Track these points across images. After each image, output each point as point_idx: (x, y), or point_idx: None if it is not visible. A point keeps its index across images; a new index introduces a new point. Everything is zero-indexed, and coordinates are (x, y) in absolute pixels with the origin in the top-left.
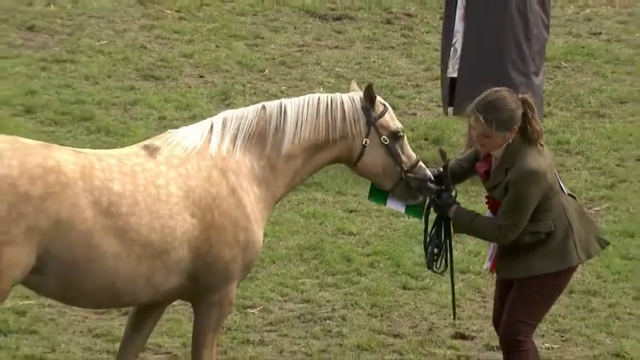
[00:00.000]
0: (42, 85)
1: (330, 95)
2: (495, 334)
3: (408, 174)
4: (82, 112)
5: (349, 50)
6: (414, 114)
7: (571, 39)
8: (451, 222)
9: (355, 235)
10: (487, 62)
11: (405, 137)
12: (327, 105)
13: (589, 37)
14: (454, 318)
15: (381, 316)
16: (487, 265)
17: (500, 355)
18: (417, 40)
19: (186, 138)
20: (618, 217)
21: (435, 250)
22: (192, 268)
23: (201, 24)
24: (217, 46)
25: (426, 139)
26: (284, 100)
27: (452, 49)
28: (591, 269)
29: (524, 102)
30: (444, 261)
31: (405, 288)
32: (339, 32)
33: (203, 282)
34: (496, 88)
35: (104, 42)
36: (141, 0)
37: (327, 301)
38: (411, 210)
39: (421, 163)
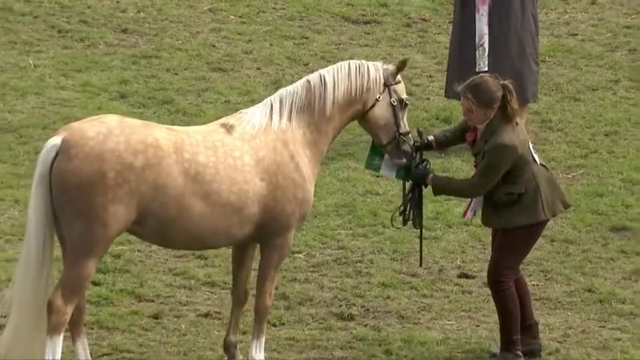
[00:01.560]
0: (133, 75)
1: (358, 61)
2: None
3: (401, 136)
4: (164, 97)
5: (376, 48)
6: (428, 99)
7: (553, 39)
8: (431, 186)
9: (381, 195)
10: (515, 59)
11: (406, 110)
12: (357, 68)
13: (567, 38)
14: (420, 265)
15: (401, 260)
16: (469, 215)
17: None
18: (431, 40)
19: (254, 117)
20: (590, 180)
21: (409, 210)
22: (261, 220)
23: (259, 27)
24: (271, 45)
25: (437, 119)
26: (322, 71)
27: (481, 48)
28: (568, 222)
29: (504, 87)
30: (417, 219)
31: (419, 237)
32: (368, 33)
33: (269, 230)
34: (482, 74)
35: (182, 41)
36: (211, 8)
37: (358, 248)
38: (399, 175)
39: (411, 135)
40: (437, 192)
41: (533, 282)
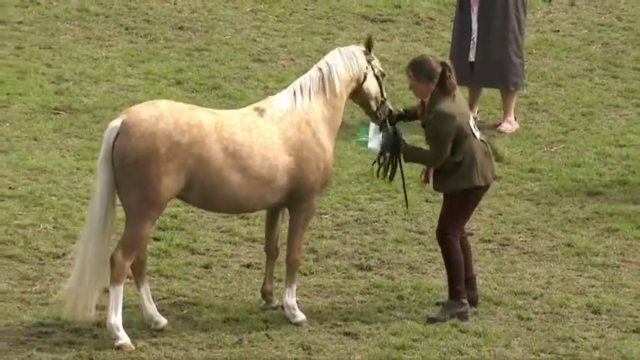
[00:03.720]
0: (187, 65)
1: (345, 47)
2: (486, 231)
3: (385, 102)
4: (213, 83)
5: (391, 42)
6: None
7: (538, 34)
8: (402, 153)
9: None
10: (496, 51)
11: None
12: (346, 52)
13: (550, 33)
14: (407, 207)
15: (411, 220)
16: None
17: (490, 245)
18: (436, 35)
19: (281, 101)
20: (569, 153)
21: (387, 166)
22: (289, 188)
23: (292, 24)
24: (302, 40)
25: None
26: (325, 58)
27: (471, 42)
28: (551, 188)
29: (443, 64)
30: (392, 174)
31: (427, 201)
32: (384, 30)
33: (297, 196)
34: (424, 54)
35: (228, 37)
36: (252, 9)
37: (375, 210)
38: (380, 145)
39: (388, 102)
40: (407, 159)
41: (521, 238)
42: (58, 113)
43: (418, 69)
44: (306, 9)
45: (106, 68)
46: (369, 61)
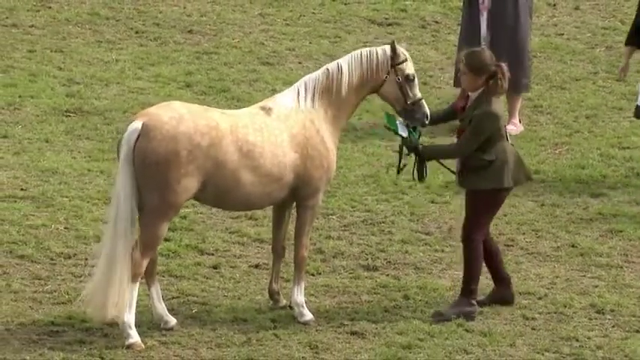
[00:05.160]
0: (196, 68)
1: (369, 48)
2: (491, 231)
3: (412, 105)
4: (222, 86)
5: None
6: (440, 87)
7: (543, 38)
8: (421, 153)
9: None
10: (508, 55)
11: (416, 80)
12: (367, 55)
13: (555, 37)
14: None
15: (417, 221)
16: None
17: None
18: (442, 38)
19: (285, 99)
20: (574, 155)
21: (404, 163)
22: (296, 184)
23: (300, 28)
24: (310, 43)
25: (447, 104)
26: (340, 60)
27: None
28: (556, 189)
29: (498, 66)
30: (415, 171)
31: (432, 202)
32: (391, 33)
33: (302, 193)
34: (484, 48)
35: (237, 40)
36: (261, 13)
37: (381, 210)
38: (410, 133)
39: (422, 102)
40: (428, 158)
41: (526, 239)
42: (69, 115)
43: (469, 59)
44: (313, 12)
45: (116, 71)
46: (393, 66)
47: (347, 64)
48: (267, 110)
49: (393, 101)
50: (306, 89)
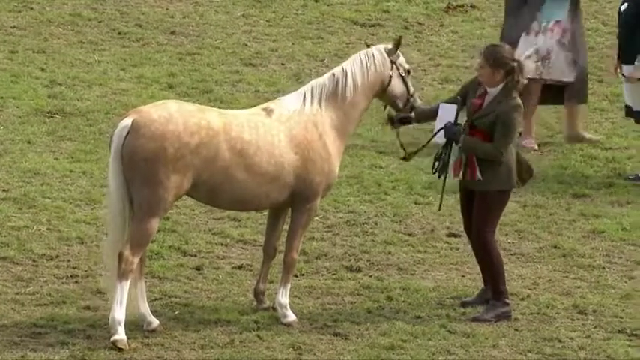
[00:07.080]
0: (179, 69)
1: (367, 50)
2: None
3: (411, 97)
4: (204, 87)
5: None
6: (422, 88)
7: None
8: (462, 144)
9: (383, 168)
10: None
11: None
12: (366, 57)
13: None
14: (439, 209)
15: (400, 222)
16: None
17: None
18: (425, 40)
19: (290, 102)
20: (556, 156)
21: (440, 163)
22: (294, 187)
23: (283, 29)
24: (293, 44)
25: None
26: (344, 64)
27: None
28: (538, 190)
29: (518, 62)
30: (443, 172)
31: (416, 203)
32: (373, 35)
33: (300, 196)
34: (503, 43)
35: (219, 41)
36: (243, 14)
37: (365, 212)
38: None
39: (416, 94)
40: (466, 149)
41: (508, 240)
42: (52, 117)
43: (487, 52)
44: (296, 14)
45: (98, 72)
46: (393, 62)
47: (351, 68)
48: (268, 111)
49: (399, 97)
50: (312, 93)
